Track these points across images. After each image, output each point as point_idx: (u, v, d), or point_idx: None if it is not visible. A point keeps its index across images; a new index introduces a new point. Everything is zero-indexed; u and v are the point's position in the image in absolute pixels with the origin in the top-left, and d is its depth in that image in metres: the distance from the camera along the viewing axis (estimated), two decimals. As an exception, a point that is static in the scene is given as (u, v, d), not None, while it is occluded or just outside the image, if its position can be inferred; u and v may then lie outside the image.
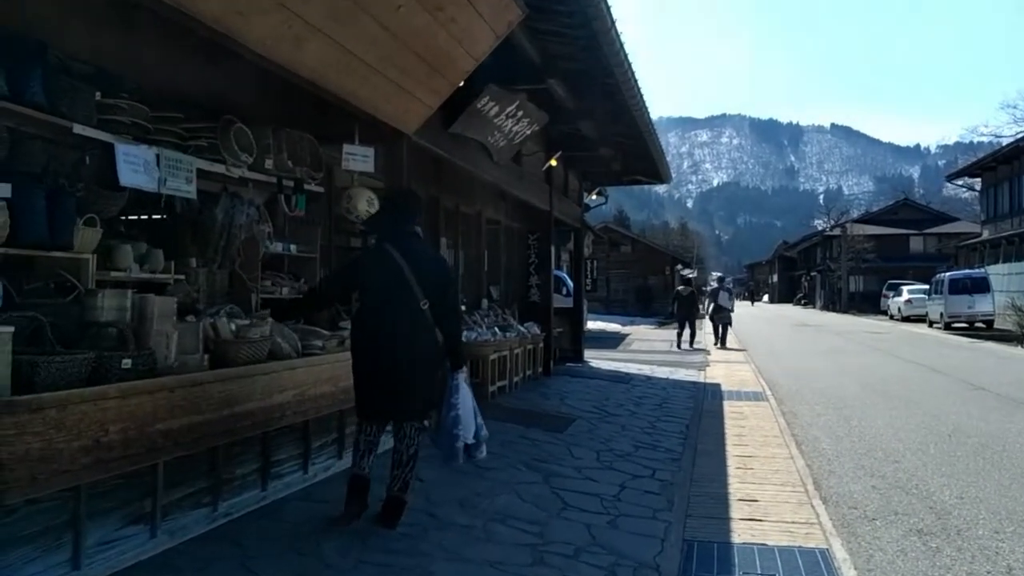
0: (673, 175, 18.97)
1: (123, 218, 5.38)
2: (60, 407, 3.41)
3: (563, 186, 15.39)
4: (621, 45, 8.39)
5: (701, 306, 29.58)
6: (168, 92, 5.72)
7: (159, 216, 5.75)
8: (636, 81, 9.77)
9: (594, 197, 18.31)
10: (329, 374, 5.75)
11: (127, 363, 3.99)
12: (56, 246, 4.33)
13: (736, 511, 6.05)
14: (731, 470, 7.39)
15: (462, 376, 4.88)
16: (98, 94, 4.74)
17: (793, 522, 5.73)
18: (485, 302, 12.56)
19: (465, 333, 9.66)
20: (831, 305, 57.31)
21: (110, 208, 4.87)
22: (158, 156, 5.19)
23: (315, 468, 5.69)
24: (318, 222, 7.37)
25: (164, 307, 4.40)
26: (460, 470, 5.97)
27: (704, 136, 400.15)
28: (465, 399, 4.84)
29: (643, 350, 21.09)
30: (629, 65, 9.17)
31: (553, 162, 12.82)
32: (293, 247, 6.96)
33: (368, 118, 6.57)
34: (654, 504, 6.12)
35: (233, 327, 4.99)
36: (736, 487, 6.75)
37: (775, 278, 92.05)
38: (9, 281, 4.40)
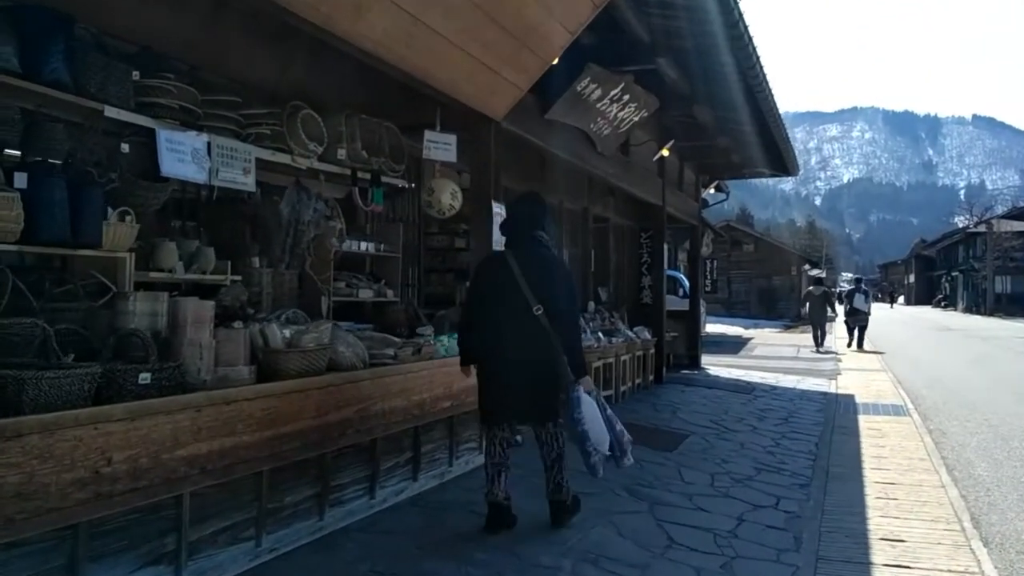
0: (800, 171, 17.58)
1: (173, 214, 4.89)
2: (46, 432, 2.87)
3: (677, 180, 14.37)
4: (740, 16, 7.42)
5: (831, 308, 27.80)
6: (225, 74, 5.24)
7: (214, 212, 5.25)
8: (759, 59, 8.75)
9: (712, 192, 17.13)
10: (401, 386, 5.11)
11: (145, 378, 3.43)
12: (80, 243, 3.84)
13: (878, 554, 5.04)
14: (870, 500, 6.32)
15: (583, 388, 4.68)
16: (136, 74, 4.25)
17: (950, 571, 4.69)
18: (592, 305, 11.74)
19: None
20: (974, 307, 53.36)
21: (150, 201, 4.37)
22: (209, 144, 4.68)
23: (384, 492, 5.05)
24: (402, 218, 6.79)
25: (199, 312, 3.84)
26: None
27: (833, 130, 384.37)
28: (591, 412, 4.66)
29: (767, 356, 19.67)
30: (750, 39, 8.18)
31: (665, 152, 11.86)
32: (371, 245, 6.39)
33: (449, 102, 5.93)
34: (778, 542, 5.18)
35: (287, 334, 4.40)
36: (877, 522, 5.70)
37: (911, 279, 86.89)
38: (32, 283, 3.95)
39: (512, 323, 4.64)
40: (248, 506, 3.96)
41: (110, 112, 4.05)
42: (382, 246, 6.45)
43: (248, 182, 4.98)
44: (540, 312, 4.58)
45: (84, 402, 3.14)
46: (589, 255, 12.25)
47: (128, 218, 4.11)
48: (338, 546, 4.43)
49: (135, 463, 3.21)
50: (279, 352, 4.28)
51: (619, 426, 4.81)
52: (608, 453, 4.72)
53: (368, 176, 6.05)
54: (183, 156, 4.47)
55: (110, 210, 4.03)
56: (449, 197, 6.13)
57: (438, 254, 8.97)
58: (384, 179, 6.22)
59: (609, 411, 4.80)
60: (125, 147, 4.23)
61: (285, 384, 4.12)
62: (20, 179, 3.61)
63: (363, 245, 6.29)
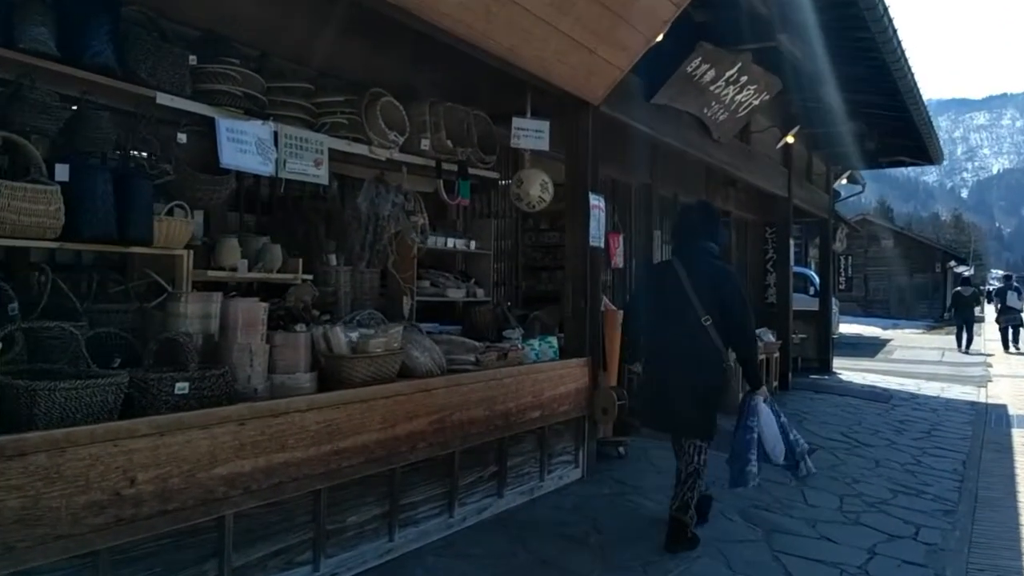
0: (945, 162, 16.09)
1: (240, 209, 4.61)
2: (54, 450, 2.57)
3: (805, 170, 13.35)
4: (873, -18, 6.61)
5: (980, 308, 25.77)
6: (298, 61, 4.94)
7: (285, 207, 4.96)
8: (896, 31, 7.84)
9: (845, 183, 15.91)
10: (482, 395, 4.67)
11: (183, 387, 3.12)
12: (128, 240, 3.57)
13: (1040, 601, 4.26)
14: (1028, 531, 5.46)
15: (761, 397, 4.64)
16: (193, 58, 3.98)
17: None
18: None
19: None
20: None
21: (210, 195, 4.09)
22: (276, 133, 4.37)
23: (464, 510, 4.62)
24: (496, 213, 6.35)
25: (250, 314, 3.52)
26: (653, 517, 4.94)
27: (981, 118, 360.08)
28: (767, 421, 4.62)
29: (907, 360, 18.17)
30: (886, 10, 7.32)
31: (790, 138, 10.95)
32: (461, 242, 5.98)
33: (541, 85, 5.45)
34: (917, 583, 4.48)
35: (353, 338, 4.04)
36: (1038, 560, 4.87)
37: (1071, 275, 79.91)
38: (81, 283, 3.73)
39: (678, 333, 4.58)
40: (304, 527, 3.60)
41: (163, 99, 3.78)
42: (472, 242, 6.03)
43: (320, 174, 4.65)
44: (709, 323, 4.50)
45: (108, 415, 2.85)
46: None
47: (183, 212, 3.84)
48: (408, 570, 4.04)
49: (164, 483, 2.89)
50: (342, 358, 3.92)
51: (793, 434, 4.73)
52: (783, 463, 4.70)
53: (455, 168, 5.65)
54: (246, 146, 4.17)
55: (163, 204, 3.76)
56: (539, 189, 5.65)
57: (549, 251, 8.49)
58: (472, 171, 5.80)
59: (784, 419, 4.73)
60: (182, 137, 3.96)
61: (344, 394, 3.75)
62: (61, 171, 3.36)
63: (452, 242, 5.89)
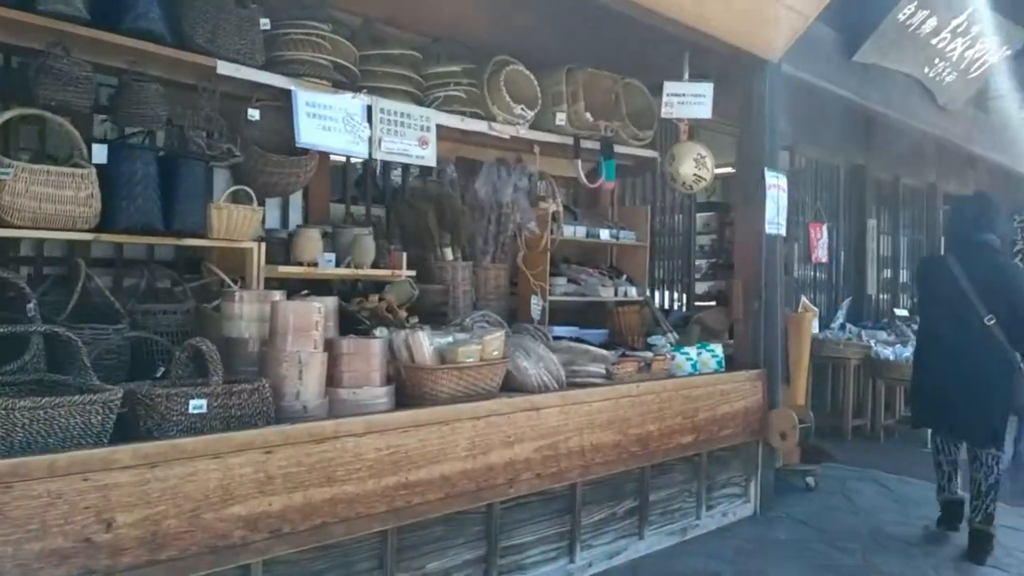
0: None
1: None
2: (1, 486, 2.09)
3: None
4: None
5: None
6: (409, 27, 4.36)
7: (387, 193, 4.39)
8: None
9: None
10: (612, 415, 3.85)
11: (199, 405, 2.58)
12: (176, 231, 3.12)
13: None
14: None
15: None
16: (265, 22, 3.48)
17: None
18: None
19: (894, 349, 6.95)
20: None
21: (285, 180, 3.58)
22: (369, 108, 3.80)
23: (589, 555, 3.84)
24: (649, 198, 5.48)
25: (302, 317, 2.94)
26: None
27: None
28: None
29: None
30: None
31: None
32: (608, 232, 5.16)
33: (702, 40, 4.51)
34: None
35: (443, 344, 3.37)
36: None
37: None
38: (123, 281, 3.34)
39: (958, 333, 4.38)
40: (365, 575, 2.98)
41: (225, 69, 3.30)
42: (621, 233, 5.18)
43: (425, 155, 4.03)
44: (992, 323, 4.27)
45: (94, 441, 2.36)
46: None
47: (248, 199, 3.35)
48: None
49: (156, 526, 2.35)
50: (423, 370, 3.25)
51: None
52: None
53: (597, 146, 4.84)
54: (330, 123, 3.62)
55: (223, 191, 3.29)
56: (693, 166, 4.71)
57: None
58: (621, 149, 4.97)
59: None
60: (254, 114, 3.47)
61: (417, 413, 3.08)
62: (99, 152, 2.95)
63: (601, 232, 5.08)
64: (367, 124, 3.78)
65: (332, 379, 3.13)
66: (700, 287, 7.32)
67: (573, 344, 3.90)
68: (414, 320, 3.48)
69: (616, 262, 5.58)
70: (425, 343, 3.30)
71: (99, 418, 2.37)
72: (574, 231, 4.90)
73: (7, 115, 2.85)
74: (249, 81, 3.44)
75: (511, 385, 3.65)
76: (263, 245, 3.46)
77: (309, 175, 3.67)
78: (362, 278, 3.89)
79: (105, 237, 3.02)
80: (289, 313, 2.94)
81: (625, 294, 5.15)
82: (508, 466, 3.38)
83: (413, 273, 4.00)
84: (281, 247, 3.58)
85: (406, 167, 4.72)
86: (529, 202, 4.48)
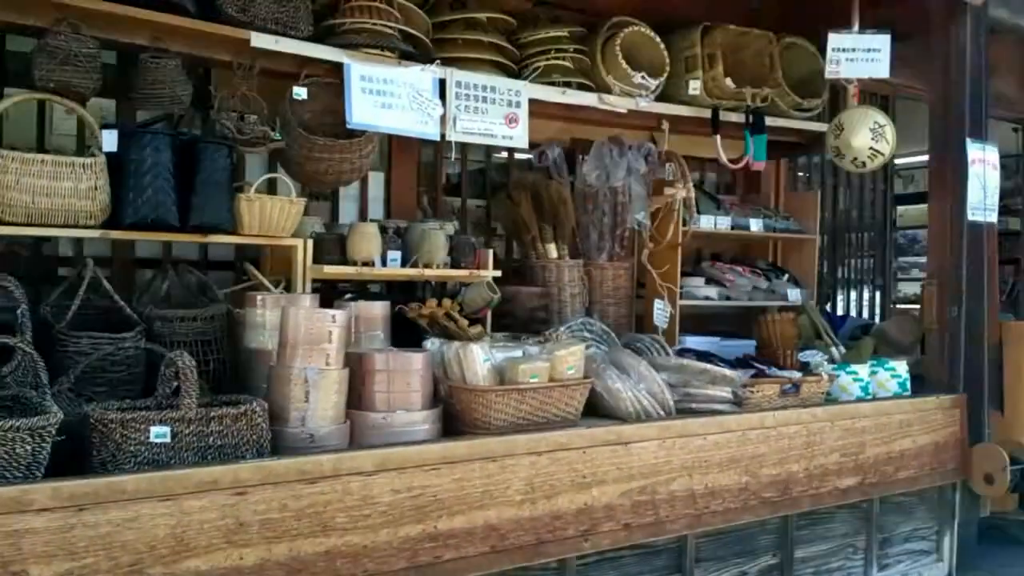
0: None
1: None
2: None
3: None
4: None
5: None
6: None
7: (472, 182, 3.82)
8: None
9: None
10: (735, 451, 3.06)
11: (161, 433, 2.16)
12: (195, 227, 2.74)
13: None
14: None
15: None
16: (313, -13, 3.04)
17: None
18: None
19: None
20: None
21: (334, 167, 3.10)
22: (442, 81, 3.26)
23: (704, 626, 3.07)
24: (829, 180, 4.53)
25: (313, 326, 2.45)
26: None
27: None
28: None
29: None
30: None
31: None
32: (762, 223, 4.29)
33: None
34: None
35: (506, 359, 2.76)
36: None
37: None
38: (148, 282, 3.00)
39: None
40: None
41: (260, 42, 2.89)
42: (779, 223, 4.29)
43: (514, 135, 3.43)
44: None
45: (24, 473, 1.98)
46: None
47: (286, 189, 2.92)
48: None
49: (88, 582, 1.94)
50: (472, 391, 2.66)
51: None
52: None
53: (741, 119, 4.01)
54: (392, 100, 3.12)
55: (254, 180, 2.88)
56: (868, 137, 3.73)
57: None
58: (777, 122, 4.10)
59: None
60: (300, 92, 3.03)
61: (451, 446, 2.49)
62: (109, 139, 2.63)
63: (752, 223, 4.23)
64: (439, 101, 3.24)
65: (362, 401, 2.62)
66: (909, 288, 6.19)
67: (687, 361, 3.12)
68: (476, 329, 2.89)
69: (781, 260, 4.68)
70: (479, 358, 2.70)
71: (27, 448, 1.99)
72: (715, 222, 4.09)
73: (7, 102, 2.60)
74: (294, 55, 3.02)
75: (602, 411, 2.98)
76: (308, 243, 3.02)
77: (366, 161, 3.19)
78: (428, 278, 3.35)
79: (115, 234, 2.69)
80: (299, 322, 2.46)
81: (785, 297, 4.26)
82: (582, 514, 2.70)
83: (497, 273, 3.41)
84: (336, 245, 3.12)
85: (510, 152, 4.14)
86: (644, 188, 3.74)
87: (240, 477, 2.14)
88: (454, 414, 2.72)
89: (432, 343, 2.83)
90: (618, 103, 3.70)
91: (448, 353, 2.76)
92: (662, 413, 3.01)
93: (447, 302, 2.91)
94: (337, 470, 2.28)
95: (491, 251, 3.47)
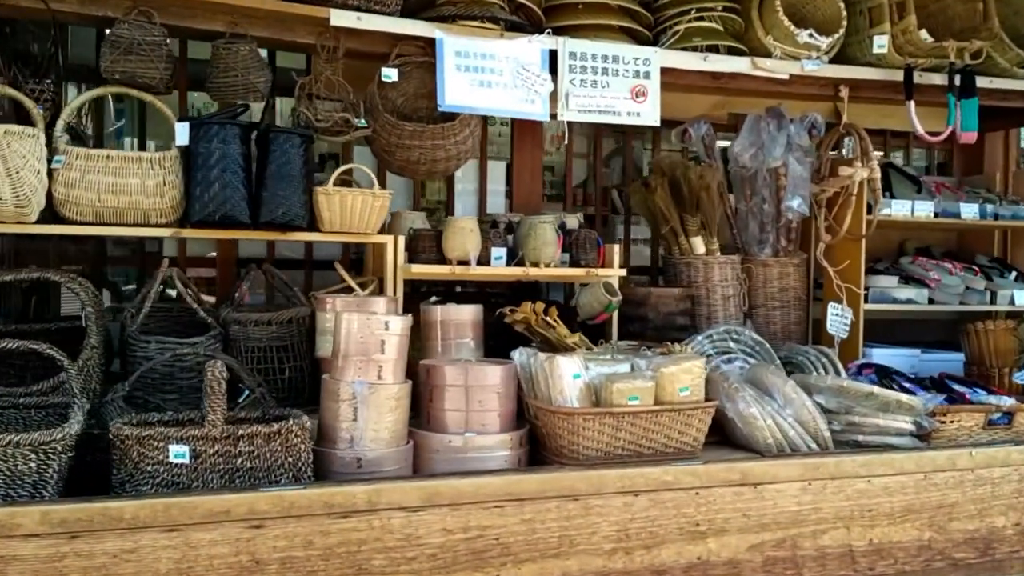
0: None
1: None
2: None
3: None
4: None
5: None
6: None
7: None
8: None
9: None
10: (913, 499, 2.39)
11: (180, 453, 1.93)
12: (264, 223, 2.52)
13: None
14: None
15: None
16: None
17: None
18: None
19: None
20: None
21: (427, 156, 2.77)
22: (554, 54, 2.85)
23: None
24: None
25: (365, 336, 2.13)
26: None
27: None
28: None
29: None
30: None
31: None
32: (972, 209, 3.46)
33: None
34: None
35: (601, 375, 2.30)
36: None
37: None
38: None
39: None
40: None
41: (340, 19, 2.62)
42: (1005, 210, 3.42)
43: (642, 111, 2.93)
44: None
45: (31, 492, 1.83)
46: None
47: (367, 180, 2.64)
48: None
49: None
50: (556, 414, 2.22)
51: None
52: None
53: (956, 77, 3.22)
54: (492, 77, 2.76)
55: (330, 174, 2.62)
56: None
57: None
58: (992, 83, 3.27)
59: None
60: (390, 74, 2.74)
61: (516, 481, 2.06)
62: (181, 132, 2.48)
63: (963, 209, 3.41)
64: (549, 75, 2.83)
65: (430, 420, 2.28)
66: None
67: (848, 383, 2.46)
68: (575, 337, 2.44)
69: (1009, 255, 3.78)
70: (567, 373, 2.26)
71: (30, 465, 1.83)
72: (911, 208, 3.33)
73: (83, 97, 2.53)
74: (384, 33, 2.73)
75: (736, 442, 2.43)
76: (400, 240, 2.72)
77: (463, 148, 2.82)
78: (532, 278, 2.92)
79: (186, 233, 2.54)
80: (351, 329, 2.15)
81: (1010, 301, 3.40)
82: (694, 569, 2.18)
83: (623, 272, 2.93)
84: (431, 243, 2.79)
85: (654, 132, 3.62)
86: (805, 168, 3.08)
87: (257, 508, 1.86)
88: (540, 440, 2.31)
89: (520, 354, 2.42)
90: (777, 68, 3.08)
91: (534, 366, 2.34)
92: (814, 446, 2.40)
93: (539, 305, 2.48)
94: (373, 503, 1.94)
95: (616, 247, 2.98)
